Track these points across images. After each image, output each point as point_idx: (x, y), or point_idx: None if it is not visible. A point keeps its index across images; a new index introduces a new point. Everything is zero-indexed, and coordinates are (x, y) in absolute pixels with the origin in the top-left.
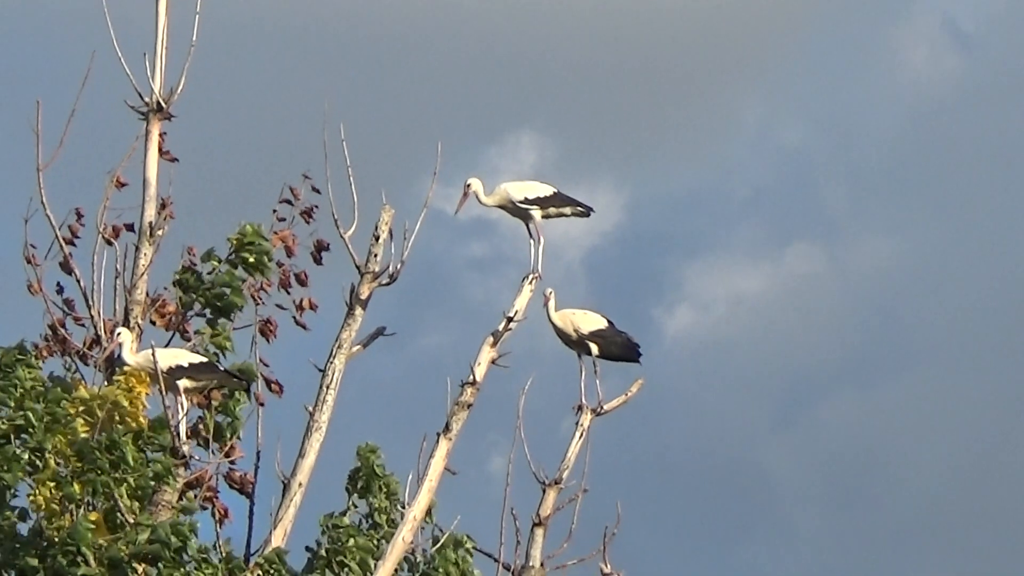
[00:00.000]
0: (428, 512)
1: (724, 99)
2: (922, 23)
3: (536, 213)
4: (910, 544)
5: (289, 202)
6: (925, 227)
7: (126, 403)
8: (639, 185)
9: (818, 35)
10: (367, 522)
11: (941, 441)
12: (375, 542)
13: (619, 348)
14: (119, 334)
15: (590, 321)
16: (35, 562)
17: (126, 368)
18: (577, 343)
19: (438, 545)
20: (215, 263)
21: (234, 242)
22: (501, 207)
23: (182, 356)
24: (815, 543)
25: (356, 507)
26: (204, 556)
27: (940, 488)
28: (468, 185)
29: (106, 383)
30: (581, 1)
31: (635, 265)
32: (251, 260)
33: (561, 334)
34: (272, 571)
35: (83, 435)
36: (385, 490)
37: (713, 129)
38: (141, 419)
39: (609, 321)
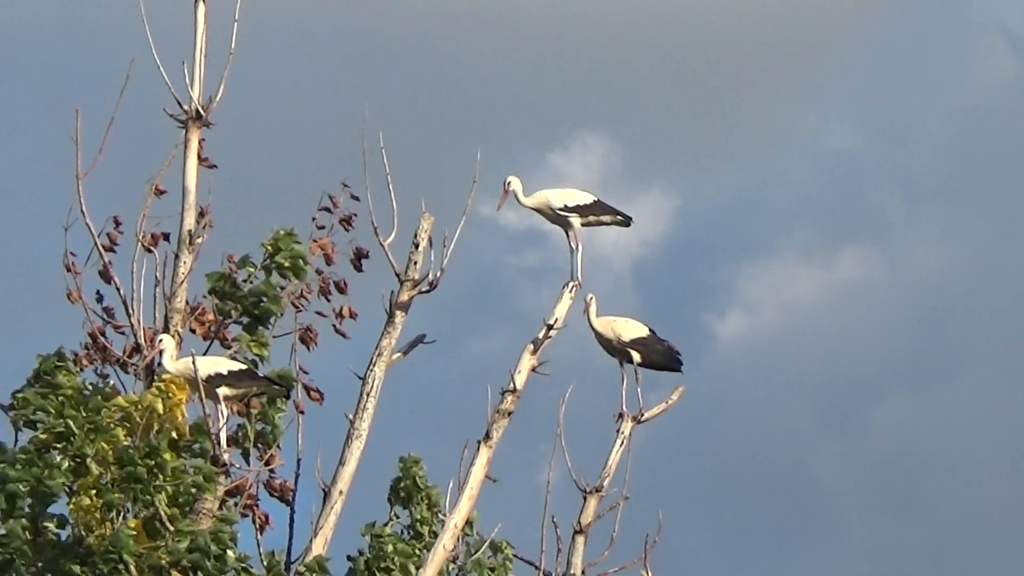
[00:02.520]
0: (469, 523)
1: (777, 104)
2: (976, 28)
3: (576, 221)
4: (962, 551)
5: (328, 210)
6: (977, 231)
7: (164, 410)
8: (690, 191)
9: (872, 40)
10: (409, 532)
11: (993, 446)
12: (416, 551)
13: (660, 356)
14: (160, 341)
15: (632, 329)
16: (76, 569)
17: (165, 376)
18: (618, 350)
19: (476, 554)
20: (251, 270)
21: (268, 248)
22: (540, 211)
23: (222, 364)
24: (866, 550)
25: (398, 517)
26: (244, 565)
27: (992, 494)
28: (508, 183)
29: (145, 390)
30: (630, 4)
31: (687, 271)
32: (286, 265)
33: (602, 341)
34: None
35: (123, 443)
36: (427, 501)
37: (766, 134)
38: (180, 426)
39: (651, 329)
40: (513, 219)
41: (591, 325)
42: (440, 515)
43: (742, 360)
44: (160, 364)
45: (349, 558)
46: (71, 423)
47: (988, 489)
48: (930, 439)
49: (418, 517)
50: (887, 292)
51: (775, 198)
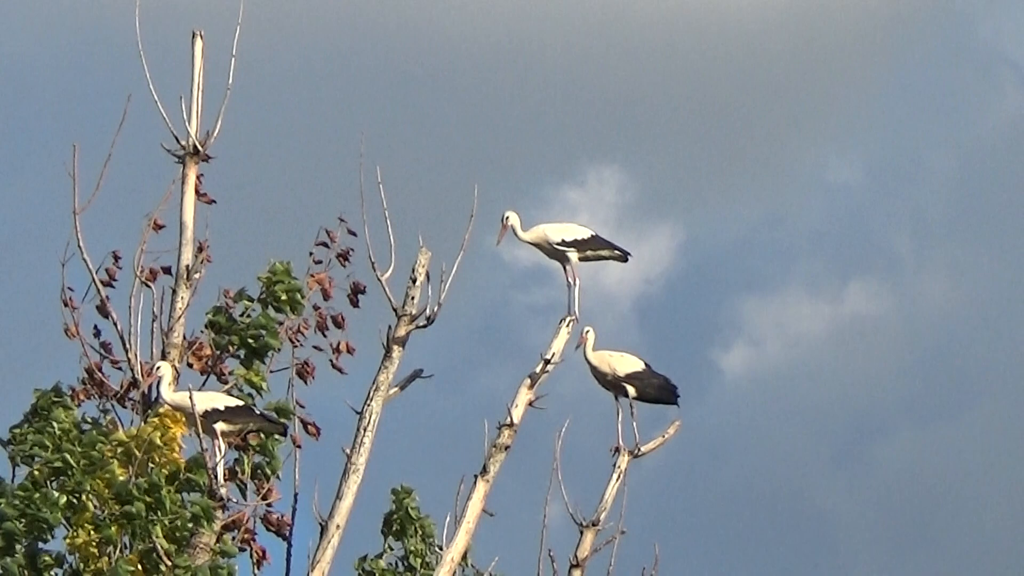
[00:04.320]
0: (465, 557)
1: (785, 138)
2: (986, 63)
3: (573, 256)
4: None
5: (325, 245)
6: (985, 266)
7: (161, 443)
8: (696, 225)
9: (881, 75)
10: (403, 564)
11: (1002, 481)
12: None
13: (656, 390)
14: (158, 368)
15: (627, 363)
16: None
17: (163, 408)
18: (613, 385)
19: None
20: (247, 303)
21: (264, 281)
22: (538, 246)
23: (219, 399)
24: None
25: (392, 549)
26: None
27: (1001, 529)
28: (506, 218)
29: (143, 423)
30: (642, 39)
31: (692, 305)
32: (283, 298)
33: (597, 375)
34: None
35: (120, 478)
36: (420, 532)
37: (774, 168)
38: (177, 460)
39: (646, 363)
40: (521, 256)
41: (587, 360)
42: (434, 547)
43: (748, 394)
44: (158, 392)
45: None
46: (68, 457)
47: (996, 525)
48: (937, 474)
49: (411, 549)
50: (894, 327)
51: (782, 232)
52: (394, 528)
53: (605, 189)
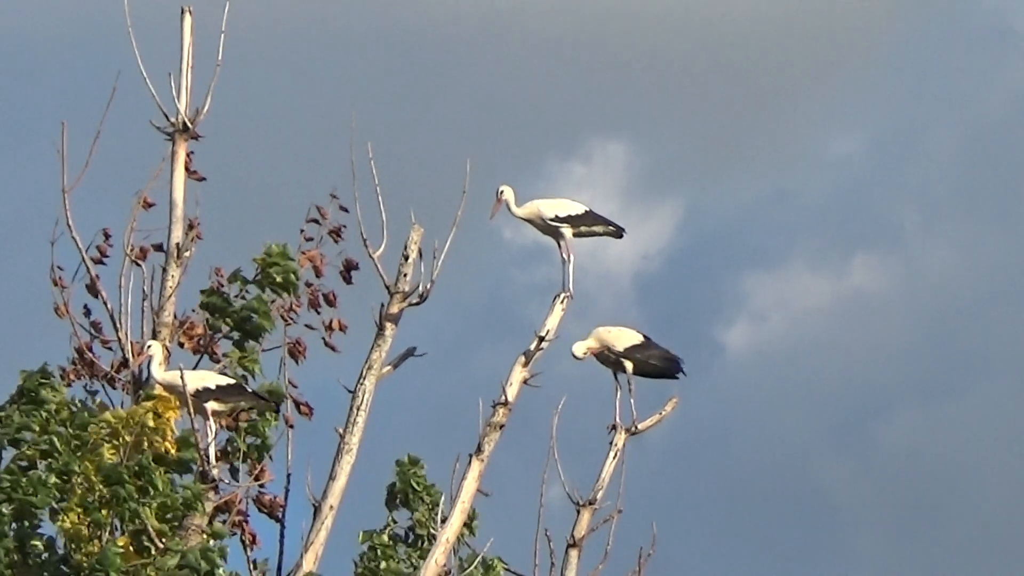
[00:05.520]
0: (468, 526)
1: (789, 111)
2: (991, 36)
3: (567, 231)
4: (976, 569)
5: (317, 221)
6: (992, 240)
7: (153, 425)
8: (697, 199)
9: (885, 48)
10: (410, 536)
11: (1009, 460)
12: (415, 560)
13: (658, 361)
14: (149, 347)
15: (624, 337)
16: None
17: (154, 390)
18: (611, 361)
19: (469, 568)
20: (241, 284)
21: (260, 263)
22: (531, 222)
23: (210, 378)
24: (876, 568)
25: (396, 522)
26: None
27: (1007, 509)
28: (500, 192)
29: (133, 404)
30: (646, 10)
31: (693, 282)
32: (278, 280)
33: (602, 355)
34: None
35: (110, 460)
36: (428, 502)
37: (776, 141)
38: (169, 443)
39: (645, 336)
40: (520, 233)
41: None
42: (441, 518)
43: (750, 371)
44: (148, 371)
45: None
46: (56, 440)
47: (1002, 506)
48: (943, 453)
49: (418, 519)
50: (899, 302)
51: (785, 207)
52: (397, 500)
53: (604, 164)
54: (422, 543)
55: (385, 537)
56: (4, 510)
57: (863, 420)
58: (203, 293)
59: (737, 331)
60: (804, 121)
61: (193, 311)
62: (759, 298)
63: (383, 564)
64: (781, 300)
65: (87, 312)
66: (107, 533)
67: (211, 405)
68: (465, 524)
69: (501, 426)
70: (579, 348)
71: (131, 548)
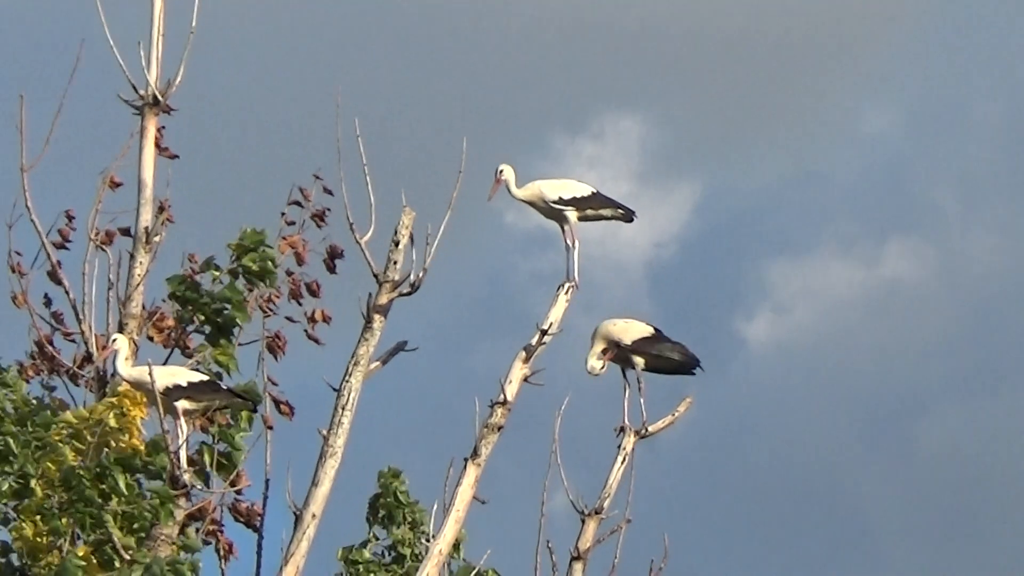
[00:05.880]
0: (456, 545)
1: (817, 83)
2: None
3: (572, 215)
4: None
5: (299, 204)
6: None
7: (118, 425)
8: (716, 180)
9: (922, 15)
10: (389, 554)
11: None
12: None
13: (673, 354)
14: (115, 340)
15: (633, 330)
16: None
17: (120, 386)
18: (621, 357)
19: None
20: (215, 273)
21: (235, 249)
22: (532, 204)
23: (181, 374)
24: None
25: (378, 539)
26: None
27: None
28: (500, 171)
29: (97, 402)
30: None
31: (711, 270)
32: (254, 268)
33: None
34: None
35: (71, 462)
36: (410, 520)
37: (803, 116)
38: (135, 443)
39: (656, 329)
40: (524, 217)
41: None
42: (424, 535)
43: (773, 368)
44: (114, 367)
45: None
46: (11, 441)
47: None
48: (986, 456)
49: (400, 537)
50: (938, 292)
51: (812, 187)
52: (380, 515)
53: (616, 141)
54: (404, 562)
55: (367, 552)
56: None
57: (898, 420)
58: (169, 282)
59: (759, 324)
60: (834, 93)
61: (164, 301)
62: (784, 288)
63: None
64: (808, 290)
65: (47, 302)
66: (67, 543)
67: (182, 404)
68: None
69: (499, 427)
70: (595, 363)
71: (93, 559)
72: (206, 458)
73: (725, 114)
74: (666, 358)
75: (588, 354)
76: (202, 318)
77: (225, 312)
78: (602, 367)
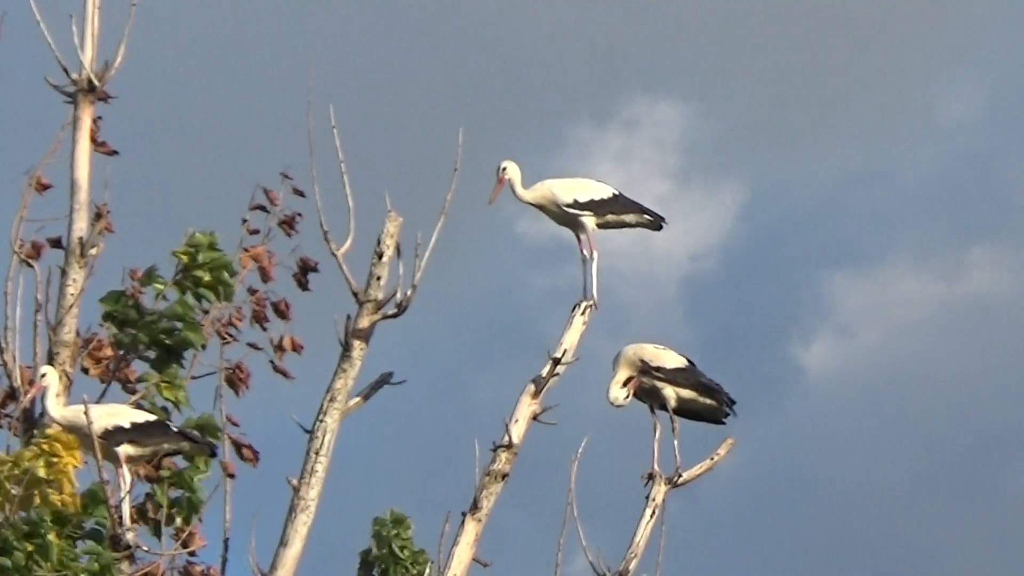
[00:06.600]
0: None
1: (883, 69)
2: None
3: (589, 221)
4: None
5: (264, 209)
6: None
7: (47, 475)
8: (763, 182)
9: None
10: None
11: None
12: None
13: (713, 397)
14: (43, 375)
15: (668, 358)
16: None
17: (50, 428)
18: (648, 390)
19: None
20: (159, 287)
21: (182, 257)
22: (542, 208)
23: (123, 414)
24: None
25: None
26: None
27: None
28: (503, 169)
29: (23, 447)
30: None
31: (760, 287)
32: (206, 279)
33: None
34: None
35: None
36: (416, 572)
37: (868, 108)
38: (68, 497)
39: (690, 361)
40: (540, 226)
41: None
42: None
43: (835, 401)
44: (43, 407)
45: None
46: None
47: None
48: None
49: None
50: None
51: (881, 189)
52: (375, 571)
53: (650, 134)
54: None
55: None
56: None
57: (983, 464)
58: (104, 301)
59: (818, 349)
60: (906, 80)
61: (100, 325)
62: (847, 306)
63: None
64: (876, 308)
65: None
66: None
67: (125, 449)
68: None
69: (504, 475)
70: (618, 392)
71: None
72: (157, 509)
73: (778, 102)
74: (701, 402)
75: (611, 382)
76: (146, 340)
77: (175, 332)
78: (626, 397)
